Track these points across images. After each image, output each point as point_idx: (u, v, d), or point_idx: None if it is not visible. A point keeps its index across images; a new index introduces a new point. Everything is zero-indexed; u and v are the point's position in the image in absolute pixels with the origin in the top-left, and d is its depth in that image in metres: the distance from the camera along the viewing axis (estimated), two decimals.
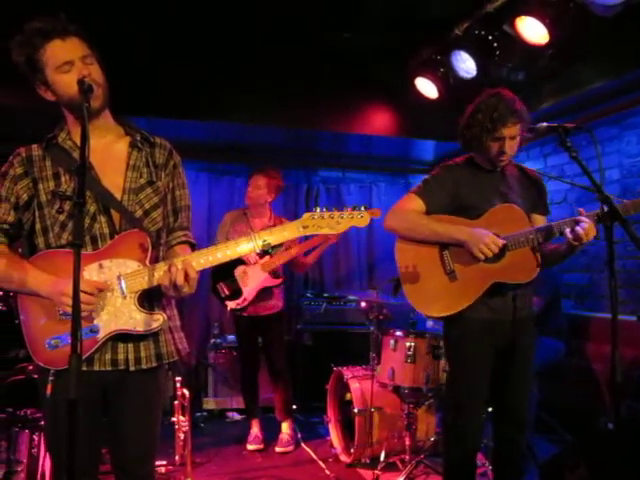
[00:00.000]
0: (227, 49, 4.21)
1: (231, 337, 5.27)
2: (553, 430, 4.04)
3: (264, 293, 4.26)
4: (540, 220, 2.66)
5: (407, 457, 3.70)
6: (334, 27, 4.09)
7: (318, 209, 1.80)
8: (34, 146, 1.96)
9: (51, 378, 1.80)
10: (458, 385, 2.63)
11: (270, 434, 4.42)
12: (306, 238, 4.18)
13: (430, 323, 4.37)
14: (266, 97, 4.47)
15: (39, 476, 3.30)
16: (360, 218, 1.81)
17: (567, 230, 2.37)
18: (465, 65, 3.87)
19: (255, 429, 4.38)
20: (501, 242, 2.44)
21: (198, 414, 4.90)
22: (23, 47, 1.84)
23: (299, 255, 4.34)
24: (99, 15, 3.27)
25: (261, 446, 4.27)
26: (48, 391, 1.79)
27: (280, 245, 4.07)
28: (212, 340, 5.25)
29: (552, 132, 2.42)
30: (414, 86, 4.31)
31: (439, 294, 2.57)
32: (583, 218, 2.34)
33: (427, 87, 4.23)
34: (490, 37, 3.60)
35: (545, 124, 2.43)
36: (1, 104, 4.04)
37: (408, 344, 3.68)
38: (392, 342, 3.77)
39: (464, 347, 2.58)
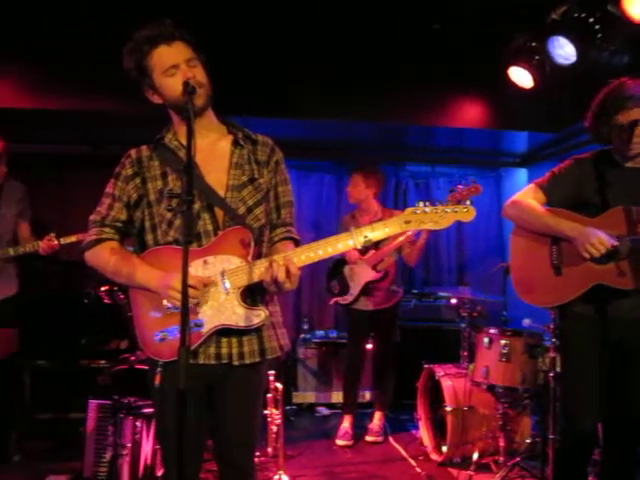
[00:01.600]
0: (318, 47, 4.23)
1: (320, 332, 5.34)
2: None
3: (372, 287, 4.35)
4: None
5: (501, 459, 3.59)
6: (423, 18, 4.02)
7: (421, 203, 1.77)
8: (143, 147, 2.04)
9: (159, 369, 1.88)
10: (570, 377, 2.58)
11: (360, 431, 4.43)
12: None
13: (526, 321, 4.21)
14: (355, 93, 4.46)
15: (142, 460, 3.48)
16: (465, 212, 1.77)
17: None
18: (563, 51, 3.69)
19: (346, 424, 4.41)
20: (609, 244, 2.33)
21: (288, 408, 4.98)
22: (133, 54, 1.93)
23: (407, 245, 4.30)
24: (198, 17, 3.37)
25: (350, 442, 4.30)
26: (157, 381, 1.87)
27: (385, 240, 4.10)
28: (302, 335, 5.32)
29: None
30: (507, 76, 4.15)
31: (542, 286, 2.57)
32: None
33: (521, 76, 4.06)
34: (591, 19, 3.41)
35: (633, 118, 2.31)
36: (112, 110, 4.29)
37: (503, 342, 3.57)
38: (486, 340, 3.67)
39: (573, 340, 2.56)
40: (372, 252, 4.27)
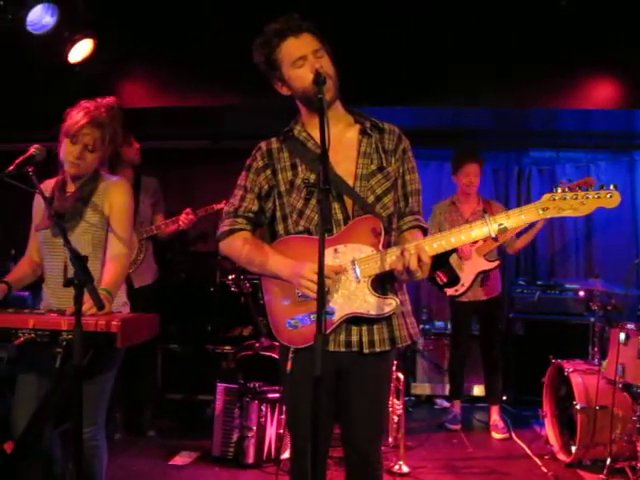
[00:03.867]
0: (440, 33, 4.15)
1: (440, 324, 5.28)
2: None
3: (482, 277, 4.30)
4: None
5: (639, 464, 3.35)
6: None
7: (559, 189, 1.68)
8: (273, 139, 2.10)
9: (291, 355, 1.93)
10: None
11: (476, 424, 4.34)
12: None
13: None
14: (476, 78, 4.32)
15: (266, 442, 3.62)
16: (609, 198, 1.66)
17: None
18: None
19: (455, 409, 4.44)
20: None
21: (406, 399, 4.95)
22: (263, 48, 1.99)
23: (511, 236, 4.28)
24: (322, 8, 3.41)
25: (458, 427, 4.34)
26: (288, 367, 1.93)
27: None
28: (421, 326, 5.27)
29: None
30: None
31: None
32: None
33: None
34: None
35: None
36: (232, 105, 4.46)
37: None
38: (623, 336, 3.42)
39: None
40: (481, 242, 4.16)
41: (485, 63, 4.28)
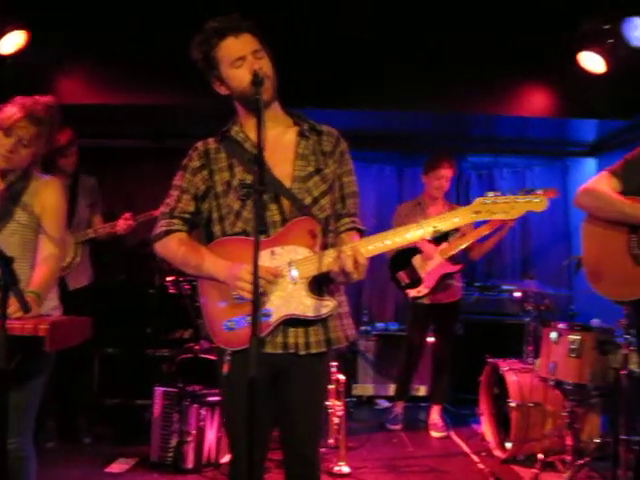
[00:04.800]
0: (376, 37, 4.19)
1: (380, 325, 5.33)
2: None
3: (444, 280, 4.28)
4: None
5: (569, 458, 3.47)
6: (487, 3, 3.92)
7: (491, 193, 1.73)
8: (210, 140, 2.07)
9: (227, 358, 1.91)
10: None
11: (417, 423, 4.41)
12: (482, 223, 4.08)
13: (595, 321, 4.06)
14: (415, 82, 4.40)
15: (206, 446, 3.57)
16: (537, 202, 1.71)
17: None
18: (639, 33, 3.52)
19: (398, 409, 4.47)
20: None
21: (347, 400, 4.98)
22: (201, 45, 1.96)
23: (476, 241, 4.27)
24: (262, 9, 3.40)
25: (399, 427, 4.37)
26: (225, 370, 1.91)
27: (456, 231, 4.04)
28: (362, 327, 5.31)
29: None
30: (576, 61, 4.00)
31: (621, 278, 2.47)
32: None
33: (593, 61, 3.91)
34: None
35: None
36: (174, 104, 4.39)
37: (572, 338, 3.44)
38: (554, 335, 3.54)
39: None
40: (445, 244, 4.20)
41: (426, 68, 4.37)
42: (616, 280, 2.49)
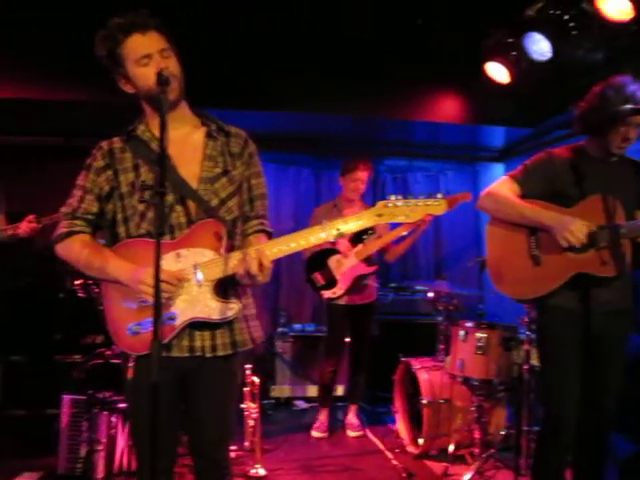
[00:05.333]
0: (293, 39, 4.21)
1: (298, 326, 5.34)
2: (631, 427, 3.86)
3: (359, 282, 4.29)
4: None
5: (477, 450, 3.63)
6: (404, 14, 4.02)
7: (393, 197, 1.77)
8: (115, 139, 2.02)
9: (131, 363, 1.87)
10: (549, 373, 2.58)
11: (335, 423, 4.46)
12: (398, 225, 4.15)
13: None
14: (332, 86, 4.44)
15: (117, 455, 3.45)
16: (437, 205, 1.77)
17: None
18: (538, 47, 3.71)
19: (322, 417, 4.43)
20: (587, 232, 2.37)
21: (265, 402, 4.97)
22: (106, 41, 1.91)
23: (391, 242, 4.31)
24: (173, 7, 3.34)
25: (325, 434, 4.33)
26: (129, 375, 1.86)
27: (372, 232, 4.09)
28: (279, 329, 5.32)
29: (636, 114, 2.32)
30: (484, 71, 4.18)
31: (521, 278, 2.56)
32: None
33: (498, 72, 4.09)
34: (566, 16, 3.44)
35: (629, 106, 2.33)
36: (82, 101, 4.22)
37: (479, 335, 3.60)
38: (462, 333, 3.70)
39: (552, 336, 2.56)
40: (361, 245, 4.22)
41: (344, 73, 4.41)
42: (517, 280, 2.58)
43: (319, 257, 4.28)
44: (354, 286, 4.27)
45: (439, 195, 1.78)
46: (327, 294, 4.27)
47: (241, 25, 4.03)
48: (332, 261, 4.27)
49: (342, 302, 4.30)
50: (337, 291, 4.25)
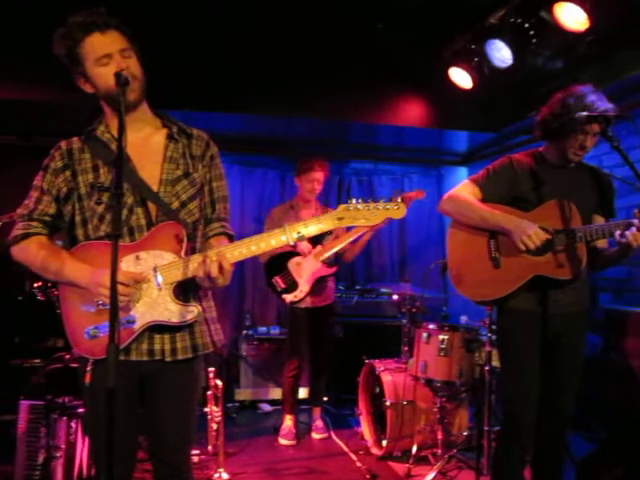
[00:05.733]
0: (258, 40, 4.20)
1: (262, 329, 5.32)
2: (588, 427, 3.96)
3: (320, 283, 4.27)
4: (601, 221, 2.62)
5: (439, 451, 3.68)
6: (367, 17, 4.05)
7: (353, 200, 1.79)
8: (74, 139, 1.99)
9: (89, 367, 1.83)
10: (510, 374, 2.62)
11: (298, 426, 4.45)
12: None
13: (464, 318, 4.33)
14: (298, 89, 4.45)
15: (77, 462, 3.39)
16: (396, 209, 1.79)
17: (617, 232, 2.32)
18: (500, 54, 3.79)
19: (289, 423, 4.38)
20: (544, 236, 2.42)
21: (230, 405, 4.95)
22: (64, 40, 1.87)
23: (348, 243, 4.26)
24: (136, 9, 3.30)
25: (294, 442, 4.27)
26: (87, 380, 1.83)
27: (330, 233, 4.08)
28: (244, 332, 5.29)
29: (592, 122, 2.38)
30: (448, 76, 4.24)
31: (481, 280, 2.60)
32: (636, 222, 2.27)
33: (461, 77, 4.16)
34: (526, 25, 3.51)
35: (585, 113, 2.39)
36: (43, 100, 4.13)
37: (441, 337, 3.65)
38: (425, 335, 3.74)
39: (512, 337, 2.59)
40: (319, 247, 4.20)
41: (311, 76, 4.42)
42: (477, 282, 2.63)
43: (278, 260, 4.23)
44: (314, 288, 4.24)
45: (400, 199, 1.80)
46: (289, 298, 4.22)
47: (207, 26, 4.00)
48: (292, 264, 4.24)
49: (303, 305, 4.26)
50: (299, 294, 4.21)
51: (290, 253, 4.24)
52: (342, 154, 5.85)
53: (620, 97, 3.95)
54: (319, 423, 4.45)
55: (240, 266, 5.16)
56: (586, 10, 3.13)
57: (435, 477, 3.46)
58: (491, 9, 3.66)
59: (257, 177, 5.72)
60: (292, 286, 4.23)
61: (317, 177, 4.30)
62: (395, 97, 4.80)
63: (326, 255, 4.20)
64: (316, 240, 4.17)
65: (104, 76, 1.85)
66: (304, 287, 4.21)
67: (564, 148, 2.54)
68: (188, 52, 4.08)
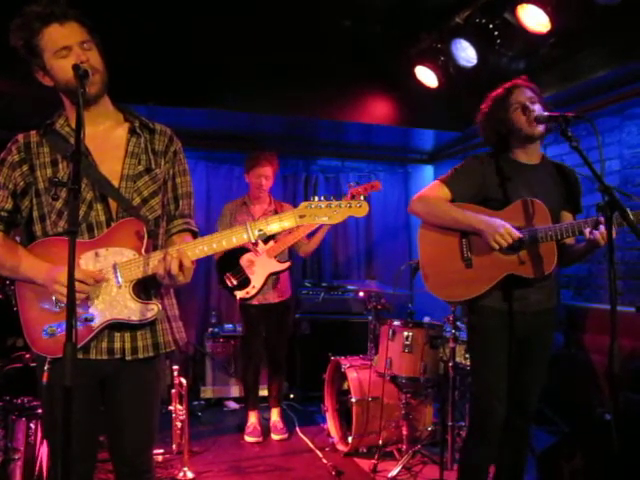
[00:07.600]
0: (225, 35, 4.16)
1: (229, 326, 5.28)
2: (550, 421, 4.05)
3: (272, 280, 4.22)
4: (569, 218, 2.65)
5: (404, 447, 3.71)
6: (334, 14, 4.04)
7: (316, 198, 1.79)
8: (32, 133, 1.94)
9: (47, 366, 1.79)
10: (480, 370, 2.64)
11: (266, 424, 4.44)
12: None
13: (427, 319, 4.37)
14: (265, 85, 4.42)
15: (37, 464, 3.31)
16: (358, 208, 1.79)
17: (587, 230, 2.35)
18: (465, 54, 3.83)
19: (253, 420, 4.36)
20: (516, 235, 2.43)
21: (195, 403, 4.90)
22: (21, 31, 1.81)
23: (303, 238, 4.24)
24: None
25: (260, 439, 4.24)
26: (44, 379, 1.78)
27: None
28: (210, 329, 5.24)
29: (553, 121, 2.42)
30: (414, 75, 4.27)
31: (454, 280, 2.60)
32: (602, 219, 2.29)
33: (427, 76, 4.19)
34: (491, 25, 3.56)
35: (546, 113, 2.43)
36: (11, 92, 4.01)
37: (406, 334, 3.68)
38: (390, 332, 3.77)
39: (483, 335, 2.60)
40: (272, 243, 4.14)
41: (279, 73, 4.39)
42: (450, 282, 2.62)
43: (230, 257, 4.17)
44: (267, 285, 4.19)
45: (362, 197, 1.79)
46: (241, 294, 4.15)
47: (172, 18, 3.94)
48: (244, 260, 4.18)
49: (256, 302, 4.20)
50: (251, 290, 4.14)
51: (242, 249, 4.16)
52: (309, 151, 5.85)
53: (582, 98, 4.05)
54: (278, 424, 4.39)
55: (206, 263, 5.11)
56: (548, 12, 3.19)
57: (400, 472, 3.49)
58: (457, 9, 3.70)
59: (223, 173, 5.67)
60: (244, 283, 4.16)
61: (264, 172, 4.24)
62: (363, 95, 4.81)
63: (279, 251, 4.17)
64: (269, 236, 4.13)
65: (63, 69, 1.80)
66: (256, 283, 4.15)
67: (519, 129, 2.55)
68: (153, 45, 4.01)
